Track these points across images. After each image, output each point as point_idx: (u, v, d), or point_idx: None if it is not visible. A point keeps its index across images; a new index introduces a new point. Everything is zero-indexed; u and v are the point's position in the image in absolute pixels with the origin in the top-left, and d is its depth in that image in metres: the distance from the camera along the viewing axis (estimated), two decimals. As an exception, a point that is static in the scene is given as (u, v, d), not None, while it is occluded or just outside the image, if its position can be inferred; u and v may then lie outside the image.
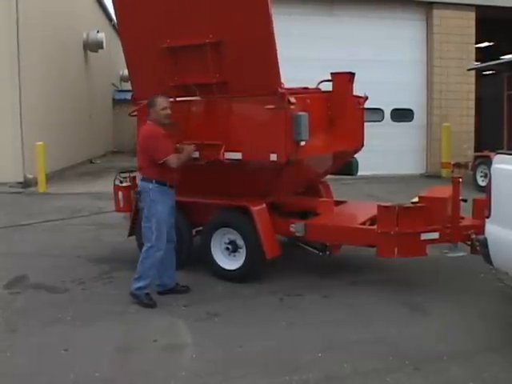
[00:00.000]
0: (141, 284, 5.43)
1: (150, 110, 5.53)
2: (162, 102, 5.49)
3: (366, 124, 7.22)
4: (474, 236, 5.51)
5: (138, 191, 5.64)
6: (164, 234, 5.43)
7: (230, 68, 5.79)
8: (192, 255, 6.48)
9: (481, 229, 4.98)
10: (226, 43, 5.71)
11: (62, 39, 17.96)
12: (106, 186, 9.89)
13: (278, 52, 5.56)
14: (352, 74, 6.50)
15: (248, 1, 5.54)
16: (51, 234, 8.80)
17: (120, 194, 7.08)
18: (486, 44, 21.32)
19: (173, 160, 5.39)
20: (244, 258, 5.97)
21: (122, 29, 6.71)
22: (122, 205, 7.11)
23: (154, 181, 5.39)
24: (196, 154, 5.88)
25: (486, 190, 4.73)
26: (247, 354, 4.39)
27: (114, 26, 28.67)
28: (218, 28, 5.70)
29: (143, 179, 5.51)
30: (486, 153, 13.38)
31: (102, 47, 21.81)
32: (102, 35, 21.51)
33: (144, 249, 5.48)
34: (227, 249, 6.12)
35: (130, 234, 6.80)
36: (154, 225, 5.38)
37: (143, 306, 5.35)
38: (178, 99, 6.13)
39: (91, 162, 21.58)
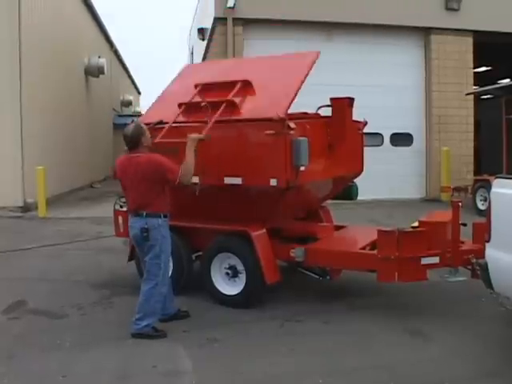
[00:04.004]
0: (147, 322, 5.19)
1: (141, 140, 5.22)
2: (146, 128, 5.41)
3: (365, 148, 7.26)
4: (474, 260, 5.49)
5: (146, 229, 5.12)
6: (169, 267, 5.45)
7: None
8: (192, 280, 6.46)
9: (481, 253, 4.98)
10: None
11: (63, 64, 18.15)
12: (105, 210, 9.89)
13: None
14: (351, 99, 6.56)
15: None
16: (51, 258, 8.77)
17: (120, 218, 7.08)
18: (483, 68, 21.50)
19: (184, 167, 5.14)
20: (244, 284, 5.95)
21: None
22: (121, 229, 7.09)
23: (161, 215, 5.19)
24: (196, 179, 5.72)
25: (486, 214, 4.74)
26: (247, 380, 4.35)
27: (115, 51, 29.04)
28: None
29: (150, 215, 5.15)
30: (485, 176, 13.42)
31: (103, 72, 22.03)
32: (103, 60, 21.74)
33: (149, 286, 5.22)
34: (227, 274, 6.10)
35: (130, 259, 6.74)
36: (162, 261, 5.23)
37: (152, 339, 5.14)
38: (178, 124, 6.17)
39: (91, 187, 21.64)
